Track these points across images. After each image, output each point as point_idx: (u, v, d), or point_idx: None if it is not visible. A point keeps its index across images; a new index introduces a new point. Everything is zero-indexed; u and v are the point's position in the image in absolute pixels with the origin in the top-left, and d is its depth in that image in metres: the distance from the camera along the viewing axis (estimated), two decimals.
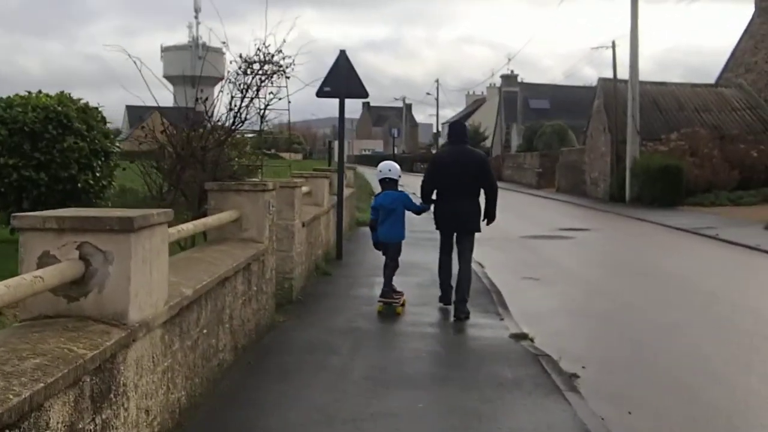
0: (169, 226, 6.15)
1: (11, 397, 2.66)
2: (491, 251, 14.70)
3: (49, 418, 2.96)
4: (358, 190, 25.77)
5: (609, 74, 33.57)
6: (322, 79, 12.74)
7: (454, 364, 6.91)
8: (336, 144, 19.94)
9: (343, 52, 13.04)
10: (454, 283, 8.99)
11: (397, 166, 9.50)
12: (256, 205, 7.28)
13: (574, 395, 5.98)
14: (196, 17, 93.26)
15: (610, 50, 33.51)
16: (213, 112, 8.92)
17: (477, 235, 9.11)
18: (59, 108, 11.85)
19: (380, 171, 9.28)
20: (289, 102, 9.61)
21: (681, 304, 10.50)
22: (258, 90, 8.76)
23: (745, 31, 35.88)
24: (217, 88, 9.02)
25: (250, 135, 10.95)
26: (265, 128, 10.01)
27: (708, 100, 33.83)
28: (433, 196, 9.11)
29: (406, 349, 7.32)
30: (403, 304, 9.04)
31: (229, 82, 8.86)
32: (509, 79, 70.81)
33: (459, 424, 5.22)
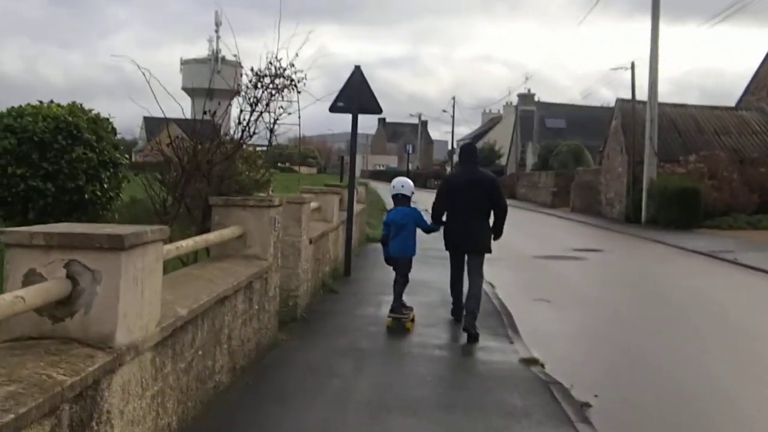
0: (171, 241, 6.03)
1: None
2: (503, 271, 14.48)
3: None
4: (370, 206, 25.60)
5: (625, 95, 33.41)
6: (336, 94, 12.62)
7: (461, 389, 6.69)
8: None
9: (357, 68, 12.91)
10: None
11: (411, 183, 9.65)
12: (261, 221, 7.12)
13: (586, 426, 5.76)
14: (216, 31, 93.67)
15: (627, 72, 33.38)
16: (223, 125, 8.81)
17: (488, 254, 9.11)
18: (70, 118, 11.75)
19: (393, 187, 9.45)
20: (300, 117, 9.48)
21: (699, 332, 10.21)
22: (267, 104, 8.62)
23: None
24: (235, 101, 8.94)
25: (260, 149, 10.83)
26: (275, 142, 9.87)
27: (728, 122, 33.50)
28: (444, 218, 9.27)
29: (411, 373, 7.11)
30: (412, 320, 9.13)
31: (239, 96, 8.74)
32: (526, 97, 70.63)
33: None
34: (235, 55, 8.91)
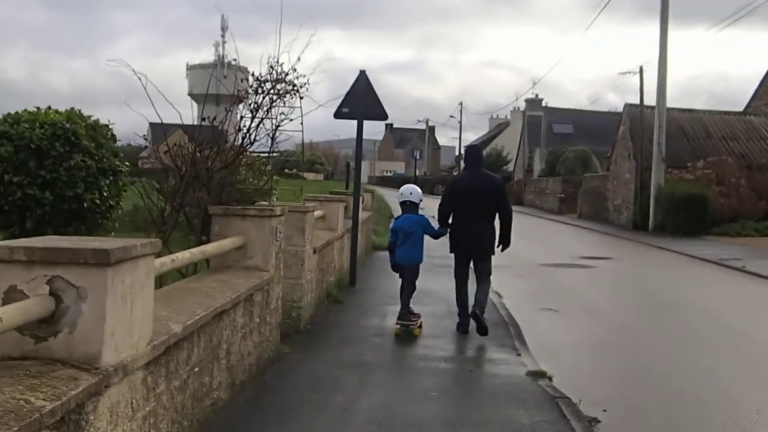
0: (169, 252, 5.84)
1: None
2: (509, 279, 14.28)
3: None
4: (377, 214, 25.38)
5: (633, 100, 33.17)
6: (341, 100, 12.42)
7: (467, 405, 6.49)
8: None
9: (362, 73, 12.71)
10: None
11: (419, 190, 9.65)
12: (262, 231, 6.93)
13: None
14: (222, 36, 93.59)
15: (635, 76, 33.14)
16: (227, 131, 8.61)
17: (495, 262, 9.16)
18: (67, 125, 11.52)
19: (401, 194, 9.47)
20: (302, 122, 9.29)
21: (709, 342, 9.98)
22: (268, 110, 8.43)
23: None
24: (241, 107, 8.77)
25: (263, 155, 10.63)
26: (278, 149, 9.68)
27: (736, 128, 33.23)
28: (450, 220, 9.30)
29: (416, 387, 6.90)
30: (420, 326, 9.09)
31: (239, 102, 8.56)
32: (533, 103, 70.31)
33: None
34: (234, 60, 8.74)
